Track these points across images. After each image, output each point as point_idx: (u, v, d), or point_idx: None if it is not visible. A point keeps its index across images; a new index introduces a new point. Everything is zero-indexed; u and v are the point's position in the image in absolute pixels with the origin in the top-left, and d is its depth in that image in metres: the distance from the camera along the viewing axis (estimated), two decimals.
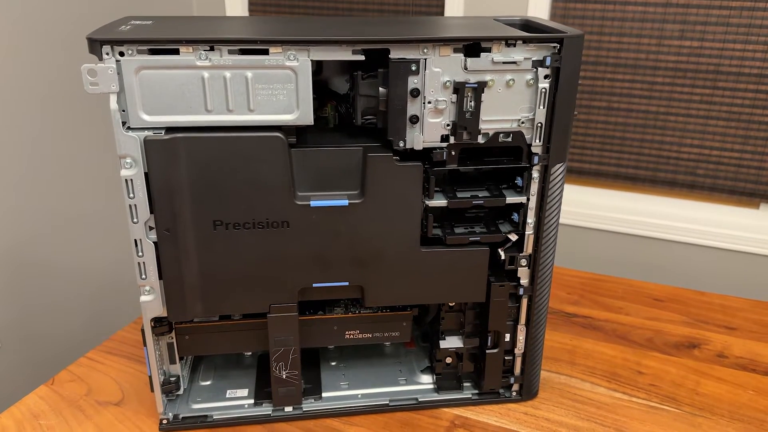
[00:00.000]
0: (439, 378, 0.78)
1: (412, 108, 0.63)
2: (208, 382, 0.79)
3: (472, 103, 0.63)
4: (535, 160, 0.66)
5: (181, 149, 0.60)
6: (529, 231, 0.69)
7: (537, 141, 0.66)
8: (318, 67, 0.72)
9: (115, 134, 0.59)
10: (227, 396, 0.76)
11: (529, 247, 0.70)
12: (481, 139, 0.65)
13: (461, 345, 0.76)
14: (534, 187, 0.68)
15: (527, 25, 0.71)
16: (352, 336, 0.75)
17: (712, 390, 0.81)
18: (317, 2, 1.86)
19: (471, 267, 0.70)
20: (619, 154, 1.69)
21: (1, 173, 1.39)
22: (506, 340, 0.75)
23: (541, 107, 0.64)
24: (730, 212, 1.66)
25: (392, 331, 0.75)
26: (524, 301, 0.73)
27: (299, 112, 0.61)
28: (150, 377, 0.70)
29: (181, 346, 0.72)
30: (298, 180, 0.64)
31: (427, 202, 0.67)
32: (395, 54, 0.60)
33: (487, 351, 0.75)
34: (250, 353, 0.83)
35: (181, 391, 0.74)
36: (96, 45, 0.56)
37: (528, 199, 0.68)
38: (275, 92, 0.60)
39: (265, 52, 0.59)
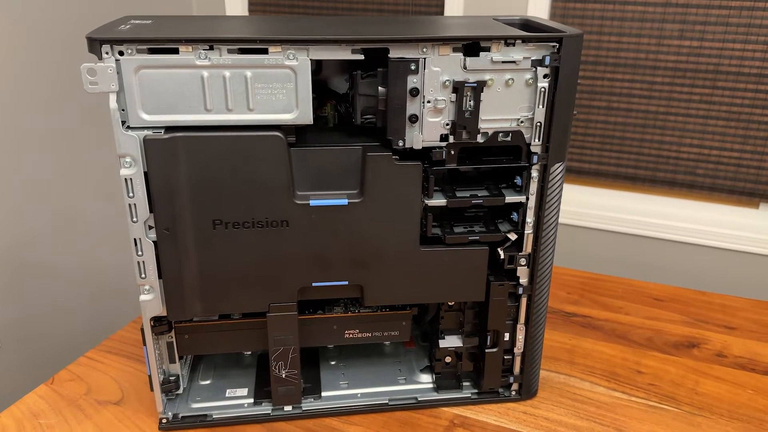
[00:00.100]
0: (438, 377, 0.78)
1: (412, 107, 0.63)
2: (208, 382, 0.79)
3: (472, 103, 0.63)
4: (535, 159, 0.66)
5: (180, 149, 0.60)
6: (529, 230, 0.69)
7: (536, 140, 0.66)
8: (317, 66, 0.72)
9: (114, 133, 0.59)
10: (227, 395, 0.76)
11: (528, 247, 0.70)
12: (480, 139, 0.65)
13: (461, 344, 0.76)
14: (533, 187, 0.68)
15: (526, 24, 0.71)
16: (351, 335, 0.75)
17: (711, 389, 0.81)
18: (317, 2, 1.86)
19: (470, 266, 0.70)
20: (619, 153, 1.69)
21: (0, 173, 1.39)
22: (505, 339, 0.75)
23: (541, 106, 0.64)
24: (730, 212, 1.66)
25: (392, 331, 0.75)
26: (523, 301, 0.73)
27: (298, 111, 0.61)
28: (149, 376, 0.70)
29: (181, 345, 0.72)
30: (297, 179, 0.64)
31: (426, 201, 0.67)
32: (394, 53, 0.60)
33: (487, 350, 0.75)
34: (249, 352, 0.83)
35: (180, 391, 0.74)
36: (95, 44, 0.57)
37: (527, 199, 0.68)
38: (275, 92, 0.60)
39: (265, 51, 0.59)
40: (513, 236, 0.70)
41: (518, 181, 0.69)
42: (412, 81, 0.61)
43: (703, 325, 0.95)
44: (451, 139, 0.65)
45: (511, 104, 0.64)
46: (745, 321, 0.97)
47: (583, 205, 1.73)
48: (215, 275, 0.66)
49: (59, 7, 1.47)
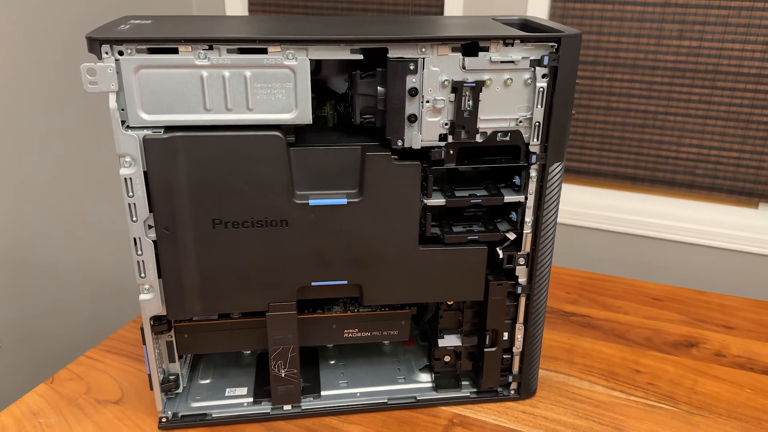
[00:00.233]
0: (437, 376, 0.79)
1: (411, 107, 0.63)
2: (208, 381, 0.79)
3: (470, 102, 0.63)
4: (533, 159, 0.66)
5: (180, 148, 0.60)
6: (527, 230, 0.70)
7: (535, 140, 0.66)
8: (317, 66, 0.72)
9: (114, 133, 0.59)
10: (226, 394, 0.76)
11: (527, 246, 0.70)
12: (479, 138, 0.65)
13: (460, 343, 0.76)
14: (532, 186, 0.68)
15: (525, 24, 0.71)
16: (350, 335, 0.75)
17: (709, 389, 0.81)
18: (316, 2, 1.87)
19: (469, 266, 0.70)
20: (618, 153, 1.69)
21: (0, 173, 1.39)
22: (504, 338, 0.75)
23: (539, 106, 0.64)
24: (729, 212, 1.66)
25: (391, 330, 0.76)
26: (522, 300, 0.73)
27: (298, 111, 0.61)
28: (149, 376, 0.70)
29: (180, 344, 0.72)
30: (296, 179, 0.64)
31: (425, 201, 0.67)
32: (393, 53, 0.61)
33: (486, 350, 0.75)
34: (249, 352, 0.83)
35: (180, 390, 0.74)
36: (95, 44, 0.57)
37: (526, 198, 0.68)
38: (274, 91, 0.60)
39: (264, 51, 0.59)
40: (512, 236, 0.70)
41: (517, 180, 0.69)
42: (411, 81, 0.62)
43: (702, 325, 0.95)
44: (450, 138, 0.65)
45: (509, 104, 0.64)
46: (743, 321, 0.97)
47: (583, 205, 1.74)
48: (215, 275, 0.66)
49: (59, 7, 1.47)
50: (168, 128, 0.60)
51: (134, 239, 0.63)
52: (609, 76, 1.63)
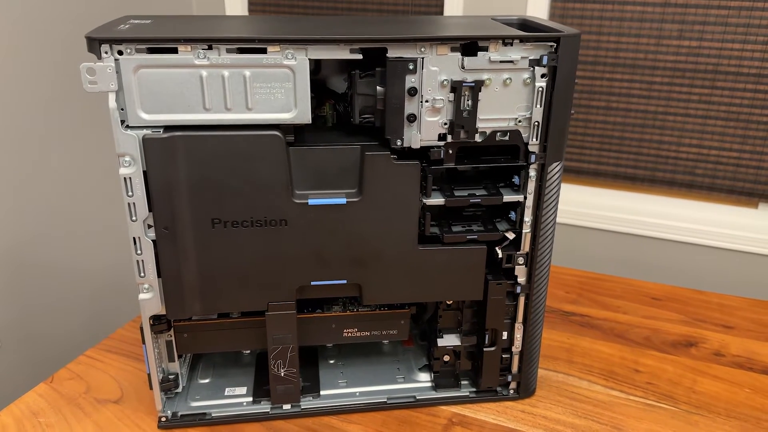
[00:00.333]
0: (436, 376, 0.79)
1: (410, 107, 0.63)
2: (207, 380, 0.79)
3: (470, 102, 0.63)
4: (532, 158, 0.67)
5: (179, 148, 0.60)
6: (527, 229, 0.70)
7: (534, 140, 0.66)
8: (316, 66, 0.72)
9: (113, 133, 0.59)
10: (226, 394, 0.76)
11: (526, 246, 0.70)
12: (478, 138, 0.65)
13: (459, 343, 0.76)
14: (531, 186, 0.68)
15: (525, 24, 0.71)
16: (350, 334, 0.75)
17: (708, 388, 0.81)
18: (316, 2, 1.87)
19: (468, 265, 0.70)
20: (618, 153, 1.69)
21: (0, 173, 1.39)
22: (504, 338, 0.75)
23: (538, 106, 0.64)
24: (729, 212, 1.66)
25: (390, 330, 0.76)
26: (521, 299, 0.73)
27: (297, 110, 0.61)
28: (149, 375, 0.70)
29: (180, 344, 0.72)
30: (296, 178, 0.64)
31: (424, 200, 0.67)
32: (393, 53, 0.61)
33: (485, 349, 0.75)
34: (248, 351, 0.83)
35: (179, 389, 0.74)
36: (95, 44, 0.57)
37: (525, 198, 0.68)
38: (273, 91, 0.60)
39: (263, 51, 0.59)
40: (511, 235, 0.70)
41: (516, 180, 0.69)
42: (411, 80, 0.62)
43: (701, 325, 0.95)
44: (449, 138, 0.65)
45: (508, 104, 0.64)
46: (742, 320, 0.97)
47: (582, 205, 1.74)
48: (214, 274, 0.66)
49: (59, 7, 1.47)
50: (167, 128, 0.60)
51: (134, 239, 0.63)
52: (609, 76, 1.63)
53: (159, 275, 0.65)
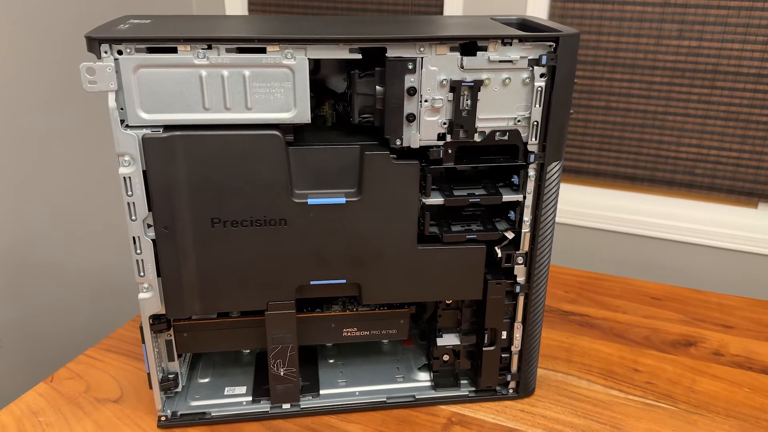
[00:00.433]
0: (436, 375, 0.79)
1: (409, 106, 0.63)
2: (207, 380, 0.79)
3: (469, 102, 0.63)
4: (532, 158, 0.67)
5: (179, 147, 0.60)
6: (526, 229, 0.70)
7: (533, 139, 0.66)
8: (316, 65, 0.72)
9: (113, 132, 0.59)
10: (225, 393, 0.77)
11: (525, 245, 0.70)
12: (477, 138, 0.65)
13: (458, 342, 0.76)
14: (530, 186, 0.68)
15: (524, 24, 0.71)
16: (349, 334, 0.75)
17: (708, 388, 0.81)
18: (316, 1, 1.87)
19: (468, 265, 0.70)
20: (618, 153, 1.69)
21: (0, 173, 1.39)
22: (503, 337, 0.75)
23: (538, 106, 0.64)
24: (728, 211, 1.66)
25: (390, 329, 0.76)
26: (521, 299, 0.73)
27: (296, 110, 0.61)
28: (148, 374, 0.70)
29: (180, 343, 0.72)
30: (295, 178, 0.64)
31: (424, 200, 0.67)
32: (392, 53, 0.61)
33: (484, 348, 0.75)
34: (248, 351, 0.84)
35: (179, 389, 0.74)
36: (94, 43, 0.57)
37: (524, 197, 0.68)
38: (273, 91, 0.60)
39: (263, 50, 0.59)
40: (510, 235, 0.70)
41: (515, 180, 0.69)
42: (410, 80, 0.62)
43: (701, 324, 0.96)
44: (449, 138, 0.65)
45: (508, 103, 0.64)
46: (742, 320, 0.97)
47: (582, 205, 1.74)
48: (214, 273, 0.66)
49: (59, 7, 1.47)
50: (167, 127, 0.60)
51: (133, 238, 0.63)
52: (608, 76, 1.63)
53: (159, 275, 0.65)
